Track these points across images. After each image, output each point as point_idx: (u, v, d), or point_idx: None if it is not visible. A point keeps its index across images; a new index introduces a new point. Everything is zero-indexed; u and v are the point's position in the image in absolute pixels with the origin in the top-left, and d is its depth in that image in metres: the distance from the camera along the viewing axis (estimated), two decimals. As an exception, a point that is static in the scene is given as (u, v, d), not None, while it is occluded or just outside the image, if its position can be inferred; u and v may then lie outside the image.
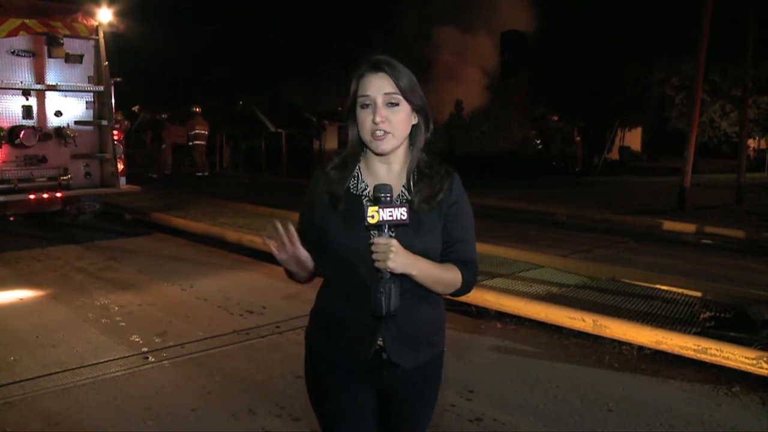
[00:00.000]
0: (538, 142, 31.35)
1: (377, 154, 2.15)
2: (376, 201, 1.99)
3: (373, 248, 1.98)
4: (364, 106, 2.10)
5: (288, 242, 2.07)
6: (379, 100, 2.08)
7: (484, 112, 30.79)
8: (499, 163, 25.89)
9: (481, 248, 8.76)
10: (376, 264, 1.97)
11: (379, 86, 2.08)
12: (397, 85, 2.08)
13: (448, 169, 2.17)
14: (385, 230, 1.98)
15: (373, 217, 1.95)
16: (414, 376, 2.20)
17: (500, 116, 30.43)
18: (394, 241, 1.97)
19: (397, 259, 1.97)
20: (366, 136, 2.11)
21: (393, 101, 2.09)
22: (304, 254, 2.11)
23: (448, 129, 28.83)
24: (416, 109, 2.15)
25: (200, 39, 34.91)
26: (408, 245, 2.02)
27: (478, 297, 6.16)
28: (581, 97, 29.86)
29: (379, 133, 2.08)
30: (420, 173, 2.16)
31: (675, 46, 24.04)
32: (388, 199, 1.98)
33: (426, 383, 2.26)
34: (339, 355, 2.19)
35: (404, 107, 2.11)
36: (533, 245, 9.72)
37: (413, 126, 2.17)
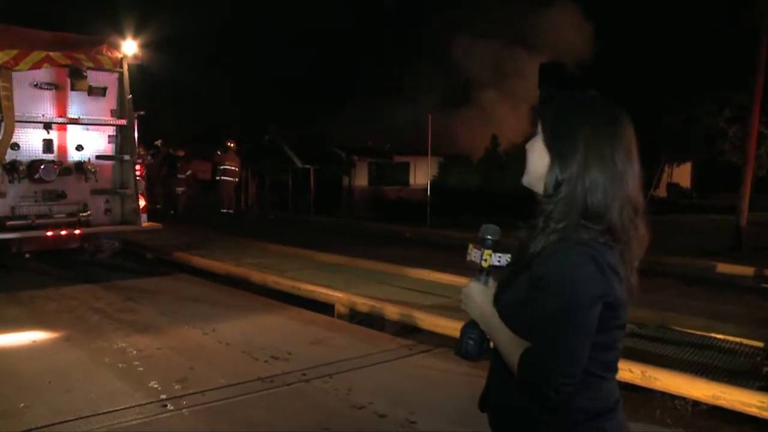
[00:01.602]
0: None
1: None
2: (481, 240, 1.99)
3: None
4: None
5: None
6: None
7: (523, 147, 30.78)
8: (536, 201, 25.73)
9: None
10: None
11: None
12: None
13: (564, 237, 1.87)
14: (483, 274, 1.99)
15: (467, 255, 1.99)
16: None
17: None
18: (471, 285, 1.98)
19: (468, 304, 1.97)
20: None
21: None
22: None
23: (484, 166, 28.81)
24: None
25: (227, 72, 35.50)
26: (496, 296, 1.98)
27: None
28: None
29: None
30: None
31: (726, 75, 23.83)
32: (489, 241, 1.98)
33: None
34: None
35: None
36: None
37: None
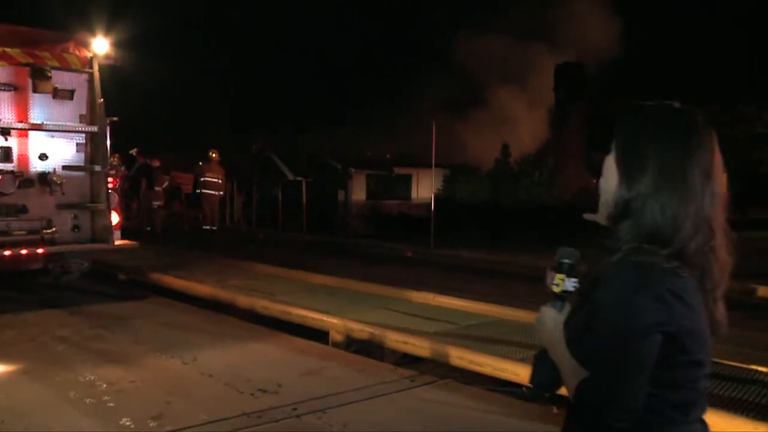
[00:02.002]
0: None
1: None
2: (557, 265, 2.04)
3: None
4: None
5: None
6: None
7: (536, 157, 30.76)
8: (550, 216, 25.78)
9: (531, 318, 8.58)
10: None
11: None
12: None
13: (624, 261, 1.85)
14: (557, 299, 2.02)
15: (545, 278, 2.04)
16: None
17: (556, 162, 30.31)
18: (543, 311, 2.02)
19: (539, 330, 2.03)
20: None
21: None
22: None
23: (493, 177, 28.81)
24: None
25: (214, 77, 35.73)
26: (565, 323, 1.99)
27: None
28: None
29: None
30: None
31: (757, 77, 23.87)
32: (565, 265, 2.02)
33: None
34: None
35: None
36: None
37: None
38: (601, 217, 2.00)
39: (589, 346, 1.83)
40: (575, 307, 1.99)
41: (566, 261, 2.00)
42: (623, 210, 1.90)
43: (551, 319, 1.99)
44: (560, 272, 2.00)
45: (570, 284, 1.98)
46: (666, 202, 1.83)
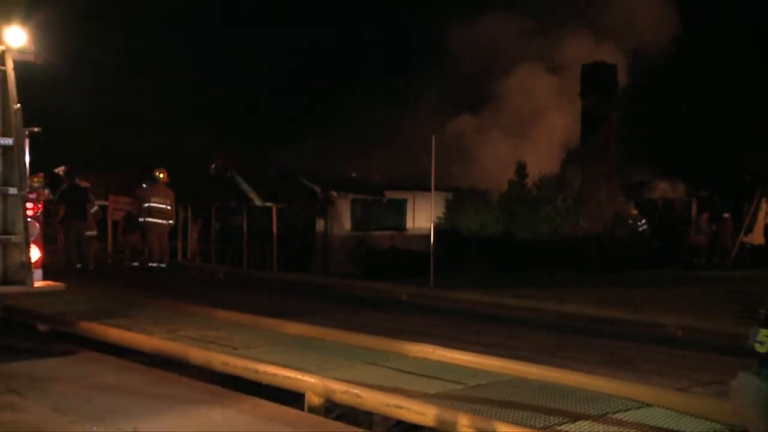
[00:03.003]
0: (643, 222, 31.11)
1: None
2: (764, 319, 1.96)
3: None
4: None
5: None
6: None
7: (559, 178, 30.82)
8: (579, 250, 25.77)
9: (555, 376, 8.55)
10: None
11: None
12: None
13: None
14: (760, 363, 1.94)
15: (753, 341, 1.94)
16: None
17: (583, 183, 30.35)
18: (740, 377, 1.92)
19: (736, 402, 1.94)
20: None
21: None
22: None
23: (507, 203, 28.85)
24: None
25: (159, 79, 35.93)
26: None
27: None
28: (704, 157, 29.80)
29: None
30: None
31: None
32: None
33: None
34: None
35: None
36: (634, 372, 9.58)
37: None
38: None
39: None
40: None
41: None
42: None
43: (754, 390, 1.88)
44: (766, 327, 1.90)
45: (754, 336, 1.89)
46: None
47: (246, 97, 37.27)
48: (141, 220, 21.46)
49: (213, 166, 28.37)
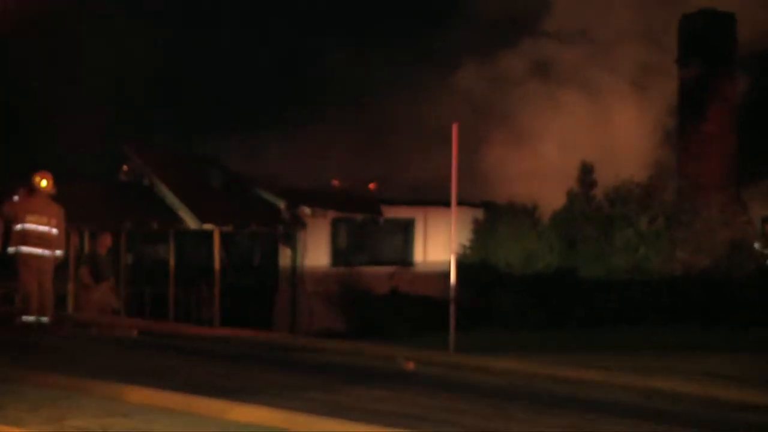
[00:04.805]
0: None
1: None
2: None
3: None
4: None
5: None
6: None
7: (645, 189, 30.72)
8: (674, 295, 25.76)
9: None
10: None
11: None
12: None
13: None
14: None
15: None
16: None
17: (681, 195, 30.32)
18: None
19: None
20: None
21: None
22: None
23: (565, 224, 28.74)
24: None
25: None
26: None
27: None
28: None
29: None
30: None
31: None
32: None
33: None
34: None
35: None
36: None
37: None
38: None
39: None
40: None
41: None
42: None
43: None
44: None
45: None
46: None
47: (175, 72, 37.48)
48: (10, 250, 21.15)
49: (125, 168, 28.32)
